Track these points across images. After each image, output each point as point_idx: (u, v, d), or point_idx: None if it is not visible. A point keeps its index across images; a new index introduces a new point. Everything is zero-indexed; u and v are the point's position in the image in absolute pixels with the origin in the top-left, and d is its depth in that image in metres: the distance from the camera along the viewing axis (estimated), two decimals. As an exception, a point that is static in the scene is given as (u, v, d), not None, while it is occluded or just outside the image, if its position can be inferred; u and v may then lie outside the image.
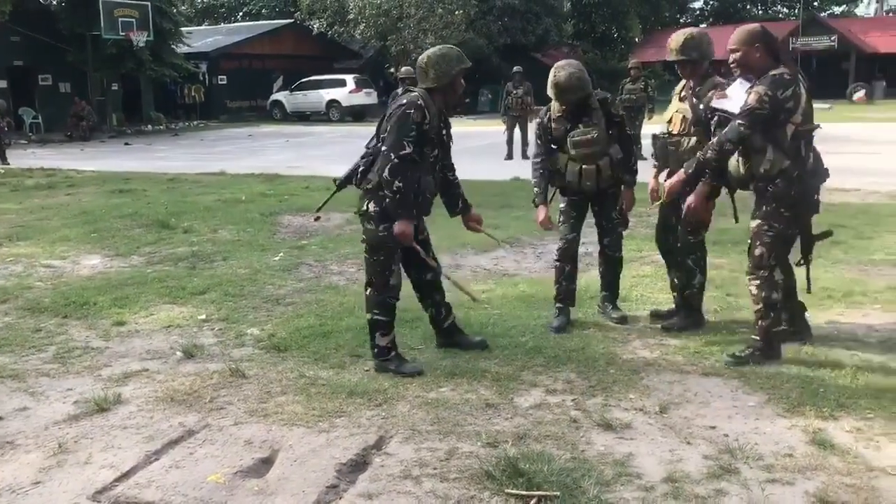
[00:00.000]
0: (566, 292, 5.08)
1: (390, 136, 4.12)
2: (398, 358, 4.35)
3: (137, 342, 4.99)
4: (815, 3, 51.78)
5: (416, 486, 3.10)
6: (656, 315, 5.12)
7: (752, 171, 4.16)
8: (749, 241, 4.31)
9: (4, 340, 5.00)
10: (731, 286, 5.73)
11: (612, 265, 5.19)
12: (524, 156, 15.55)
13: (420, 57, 4.28)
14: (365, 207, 4.28)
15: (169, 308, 5.69)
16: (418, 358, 4.50)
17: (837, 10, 54.23)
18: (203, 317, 5.45)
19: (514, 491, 3.01)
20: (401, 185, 4.05)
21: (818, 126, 4.17)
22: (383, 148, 4.14)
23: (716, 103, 4.55)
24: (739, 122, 4.04)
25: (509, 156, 15.78)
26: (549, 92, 4.79)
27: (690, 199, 4.53)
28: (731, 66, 4.28)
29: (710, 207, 4.64)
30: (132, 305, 5.74)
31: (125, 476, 3.26)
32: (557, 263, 5.12)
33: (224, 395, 4.06)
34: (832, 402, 3.73)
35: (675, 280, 5.01)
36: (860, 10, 55.79)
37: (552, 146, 4.95)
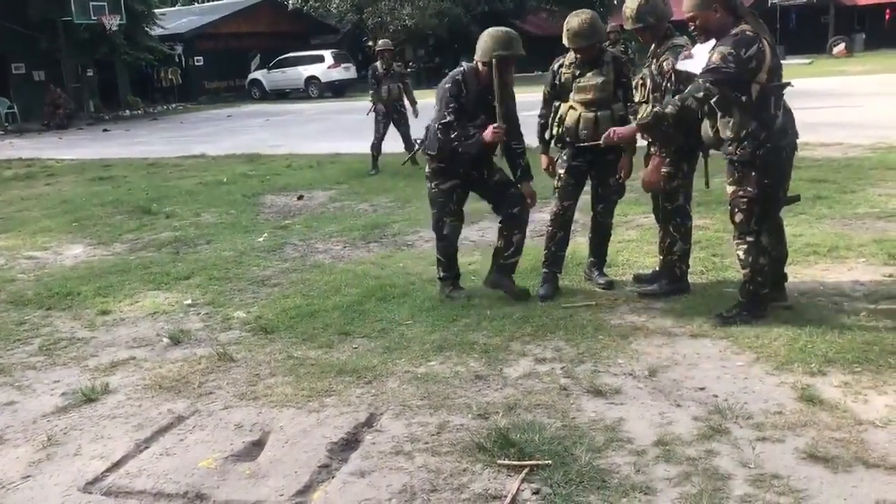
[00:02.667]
0: (553, 258, 5.08)
1: (436, 109, 4.74)
2: (448, 286, 5.06)
3: (123, 330, 4.95)
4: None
5: (409, 461, 3.10)
6: (639, 279, 5.12)
7: (720, 134, 4.12)
8: (729, 206, 4.29)
9: (-12, 335, 4.96)
10: (716, 246, 5.73)
11: (600, 231, 5.19)
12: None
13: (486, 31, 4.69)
14: (426, 169, 5.01)
15: (154, 294, 5.65)
16: (406, 333, 4.49)
17: (815, -37, 53.95)
18: (189, 302, 5.41)
19: (506, 462, 3.01)
20: (453, 137, 4.64)
21: (789, 83, 4.09)
22: (432, 121, 4.75)
23: (680, 65, 4.51)
24: (703, 78, 3.93)
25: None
26: (565, 38, 4.79)
27: (644, 174, 4.58)
28: (693, 33, 4.22)
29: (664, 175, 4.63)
30: (116, 294, 5.70)
31: (116, 466, 3.24)
32: (549, 228, 5.10)
33: (213, 380, 4.04)
34: (820, 357, 3.74)
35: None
36: (838, -37, 55.51)
37: (557, 96, 4.99)
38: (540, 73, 37.76)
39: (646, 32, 4.63)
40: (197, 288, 5.72)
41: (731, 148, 4.10)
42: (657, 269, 5.03)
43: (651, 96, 4.58)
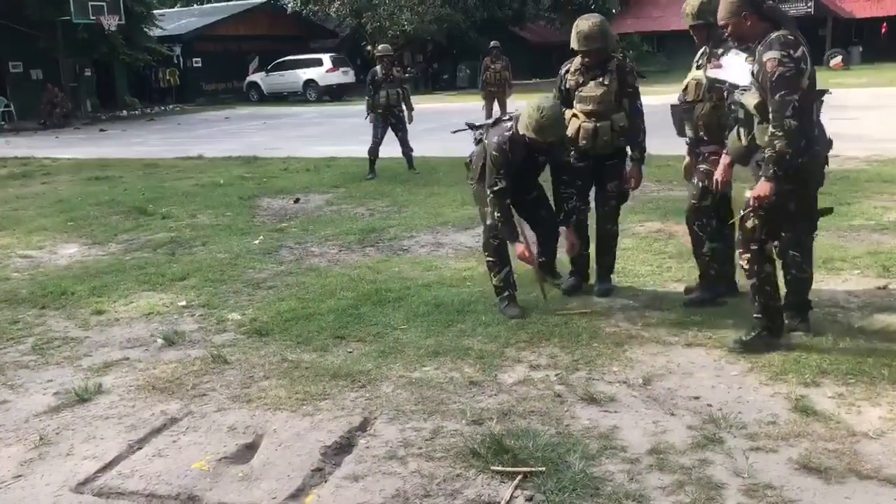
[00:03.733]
0: (576, 258, 5.20)
1: (488, 174, 4.77)
2: (506, 299, 4.84)
3: (117, 331, 4.94)
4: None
5: (402, 466, 3.10)
6: (688, 290, 5.02)
7: (757, 141, 3.94)
8: (741, 211, 4.09)
9: (-18, 333, 4.94)
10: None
11: (601, 237, 5.17)
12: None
13: (532, 103, 4.61)
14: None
15: (149, 295, 5.64)
16: (401, 338, 4.48)
17: (813, -24, 54.19)
18: (183, 303, 5.40)
19: (499, 468, 3.01)
20: (499, 215, 4.72)
21: (827, 91, 4.01)
22: (486, 183, 4.80)
23: (711, 73, 4.51)
24: (780, 93, 3.69)
25: (489, 131, 15.68)
26: (572, 41, 4.83)
27: (718, 175, 4.41)
28: (727, 38, 4.17)
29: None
30: (111, 294, 5.68)
31: (108, 466, 3.23)
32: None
33: (206, 382, 4.03)
34: (814, 368, 3.75)
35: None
36: (835, -24, 55.78)
37: (563, 102, 5.00)
38: (538, 80, 37.79)
39: (702, 31, 4.58)
40: (192, 289, 5.71)
41: (758, 154, 3.95)
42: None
43: (706, 95, 4.53)
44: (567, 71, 5.02)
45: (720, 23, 4.05)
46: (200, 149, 15.34)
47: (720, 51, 4.49)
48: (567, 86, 5.00)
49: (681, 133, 4.84)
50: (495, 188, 4.70)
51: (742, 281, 4.33)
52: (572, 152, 5.01)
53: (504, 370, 3.98)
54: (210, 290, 5.65)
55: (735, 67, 4.23)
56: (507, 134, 4.69)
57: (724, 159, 4.36)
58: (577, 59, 4.96)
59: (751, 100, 3.88)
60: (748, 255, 4.04)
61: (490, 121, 5.09)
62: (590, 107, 4.87)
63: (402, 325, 4.71)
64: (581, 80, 4.92)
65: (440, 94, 32.49)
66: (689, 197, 4.77)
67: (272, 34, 37.64)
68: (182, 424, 3.57)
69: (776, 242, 4.15)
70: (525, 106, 4.65)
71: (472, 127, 5.22)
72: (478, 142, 5.05)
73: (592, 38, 4.77)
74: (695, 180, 4.69)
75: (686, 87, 4.71)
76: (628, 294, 5.09)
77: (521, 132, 4.63)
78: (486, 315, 4.76)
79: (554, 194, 5.06)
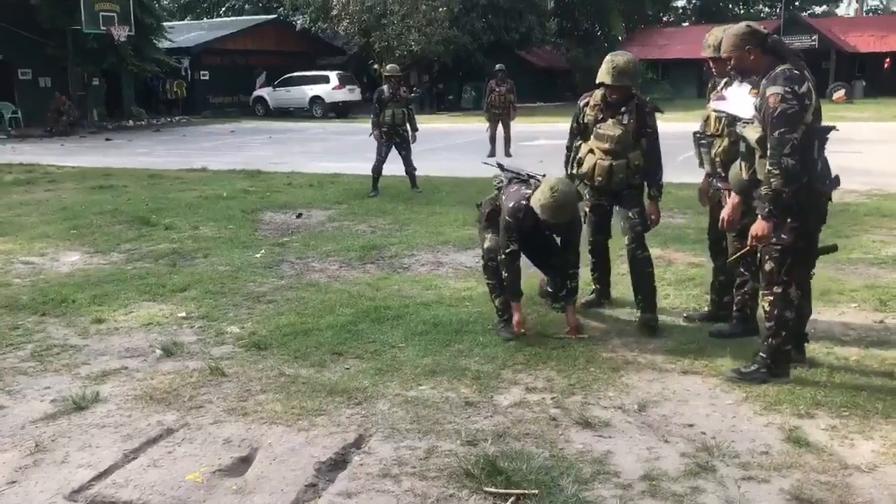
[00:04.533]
0: (597, 280, 5.44)
1: (500, 235, 4.82)
2: (503, 321, 4.86)
3: (116, 340, 4.96)
4: (797, 3, 52.14)
5: (396, 484, 3.11)
6: (689, 318, 5.09)
7: (757, 176, 3.90)
8: (758, 253, 4.07)
9: (-19, 338, 4.96)
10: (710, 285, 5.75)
11: (634, 266, 5.07)
12: (507, 153, 15.59)
13: (549, 180, 4.63)
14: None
15: (149, 305, 5.66)
16: (398, 356, 4.50)
17: (818, 9, 54.68)
18: (183, 314, 5.42)
19: (492, 489, 3.02)
20: (507, 275, 4.78)
21: (834, 127, 3.98)
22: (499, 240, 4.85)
23: (714, 105, 4.54)
24: (779, 130, 3.67)
25: (492, 153, 15.76)
26: (604, 75, 4.81)
27: (725, 214, 4.42)
28: (730, 71, 4.19)
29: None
30: (112, 303, 5.70)
31: (103, 475, 3.24)
32: (588, 257, 5.37)
33: (203, 394, 4.04)
34: (808, 400, 3.77)
35: (718, 283, 5.00)
36: (841, 11, 56.34)
37: (580, 133, 5.10)
38: (541, 103, 37.95)
39: (722, 64, 4.51)
40: (192, 301, 5.73)
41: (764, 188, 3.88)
42: (708, 309, 5.07)
43: (725, 130, 4.50)
44: (586, 104, 5.02)
45: (723, 56, 4.06)
46: (205, 161, 15.41)
47: (721, 83, 4.53)
48: (585, 119, 5.01)
49: (703, 164, 4.82)
50: (506, 251, 4.73)
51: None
52: (587, 190, 5.08)
53: (500, 392, 4.00)
54: (210, 303, 5.68)
55: (739, 100, 4.26)
56: (522, 203, 4.66)
57: (733, 198, 4.33)
58: (598, 93, 4.95)
59: (752, 133, 3.88)
60: (770, 298, 3.99)
61: (517, 173, 4.99)
62: (607, 145, 4.89)
63: (400, 343, 4.73)
64: (600, 117, 4.92)
65: (445, 115, 32.63)
66: (729, 240, 4.68)
67: (280, 49, 37.88)
68: (178, 435, 3.58)
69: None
70: (543, 180, 4.69)
71: (501, 168, 5.19)
72: (497, 188, 5.05)
73: (627, 75, 4.77)
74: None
75: (707, 118, 4.70)
76: (625, 320, 5.12)
77: (538, 207, 4.57)
78: (483, 336, 4.78)
79: (560, 269, 4.95)
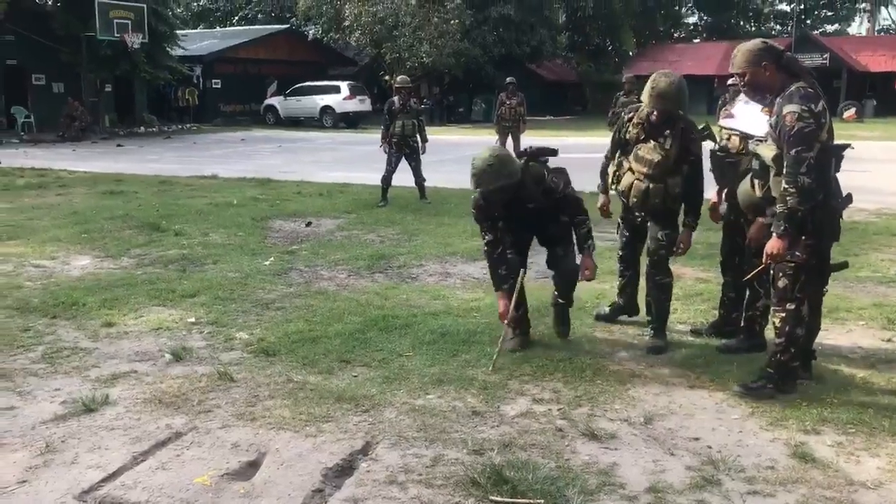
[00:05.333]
0: (622, 291, 5.37)
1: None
2: (511, 332, 4.78)
3: (126, 344, 4.99)
4: (809, 21, 52.23)
5: (402, 491, 3.13)
6: (695, 331, 5.09)
7: (772, 194, 3.88)
8: (772, 269, 4.04)
9: (-7, 339, 5.00)
10: (718, 300, 5.75)
11: (650, 289, 4.99)
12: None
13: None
14: None
15: (158, 310, 5.70)
16: (406, 365, 4.52)
17: (830, 28, 54.74)
18: (192, 320, 5.46)
19: (498, 498, 3.03)
20: (488, 265, 4.87)
21: (849, 145, 3.98)
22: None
23: (723, 122, 4.54)
24: (796, 149, 3.66)
25: (501, 165, 15.80)
26: (644, 96, 4.66)
27: (750, 232, 4.41)
28: (742, 89, 4.12)
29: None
30: (122, 307, 5.74)
31: (111, 477, 3.27)
32: (618, 266, 5.39)
33: (212, 398, 4.07)
34: (814, 416, 3.77)
35: (727, 299, 4.99)
36: (852, 30, 56.38)
37: (621, 145, 4.93)
38: (551, 117, 37.97)
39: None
40: (201, 306, 5.76)
41: (779, 206, 3.86)
42: (714, 321, 5.07)
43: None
44: (630, 119, 4.82)
45: (737, 71, 4.00)
46: (215, 168, 15.50)
47: (723, 98, 4.54)
48: (627, 135, 4.81)
49: (720, 182, 4.78)
50: (483, 241, 4.78)
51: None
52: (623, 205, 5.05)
53: (507, 402, 4.01)
54: (219, 308, 5.71)
55: (747, 117, 4.27)
56: (473, 196, 4.69)
57: (778, 241, 4.02)
58: (644, 111, 4.72)
59: (767, 151, 3.87)
60: (783, 315, 3.98)
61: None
62: (645, 169, 4.69)
63: (408, 352, 4.75)
64: (642, 136, 4.72)
65: (455, 127, 32.73)
66: (747, 256, 4.66)
67: (292, 59, 38.11)
68: (186, 439, 3.61)
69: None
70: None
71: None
72: None
73: (667, 99, 4.56)
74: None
75: (729, 136, 4.68)
76: (633, 333, 5.13)
77: None
78: (491, 347, 4.78)
79: (552, 241, 4.90)
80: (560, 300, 4.99)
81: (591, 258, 4.68)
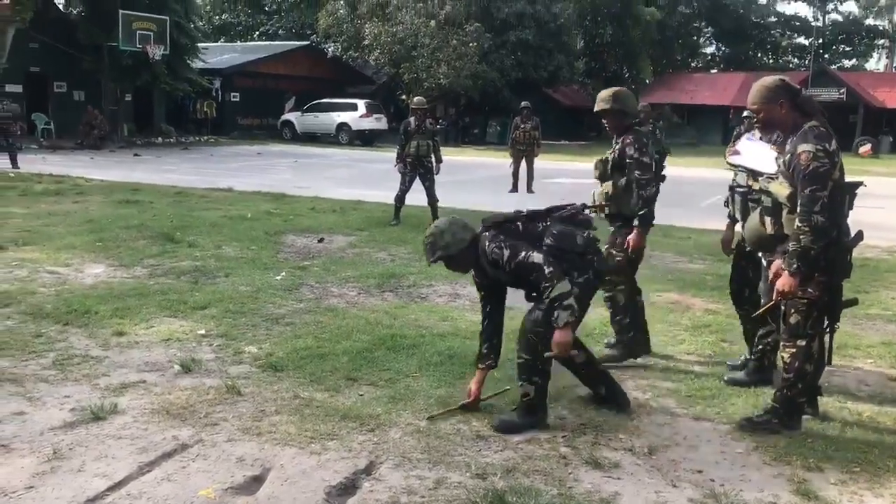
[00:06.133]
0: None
1: None
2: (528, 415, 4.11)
3: (136, 353, 5.04)
4: (826, 56, 52.31)
5: (404, 512, 3.14)
6: (733, 367, 5.03)
7: (784, 231, 3.89)
8: (783, 305, 4.02)
9: (5, 344, 5.06)
10: (726, 332, 5.77)
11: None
12: (529, 190, 15.70)
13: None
14: None
15: (169, 321, 5.75)
16: (412, 385, 4.54)
17: (848, 63, 54.80)
18: (202, 332, 5.50)
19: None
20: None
21: (861, 183, 4.00)
22: None
23: (731, 159, 4.56)
24: (810, 188, 3.67)
25: (514, 188, 15.90)
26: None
27: (783, 286, 4.13)
28: (755, 124, 4.14)
29: None
30: (133, 316, 5.79)
31: (117, 486, 3.30)
32: None
33: (219, 412, 4.10)
34: (819, 453, 3.77)
35: (746, 331, 4.99)
36: (870, 65, 56.42)
37: None
38: (566, 142, 38.10)
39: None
40: (212, 319, 5.81)
41: (792, 244, 3.85)
42: (746, 356, 5.00)
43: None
44: None
45: (752, 107, 4.01)
46: (231, 181, 15.62)
47: (738, 129, 4.57)
48: None
49: (743, 217, 4.74)
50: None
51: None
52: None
53: (511, 427, 4.02)
54: (229, 322, 5.75)
55: (754, 154, 4.28)
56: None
57: (788, 277, 3.89)
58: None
59: (782, 189, 3.87)
60: (793, 350, 3.98)
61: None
62: (595, 172, 5.23)
63: (415, 372, 4.77)
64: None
65: (469, 148, 32.89)
66: (762, 292, 4.64)
67: (310, 75, 38.44)
68: (192, 451, 3.64)
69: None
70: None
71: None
72: None
73: (602, 100, 5.09)
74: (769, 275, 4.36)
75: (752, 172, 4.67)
76: (640, 363, 5.13)
77: None
78: (498, 371, 4.78)
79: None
80: (517, 356, 4.10)
81: (560, 331, 3.85)
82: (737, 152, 4.44)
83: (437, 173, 11.31)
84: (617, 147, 5.11)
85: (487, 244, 4.02)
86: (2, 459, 3.51)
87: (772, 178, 4.01)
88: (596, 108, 5.15)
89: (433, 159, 11.22)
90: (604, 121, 5.28)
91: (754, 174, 4.40)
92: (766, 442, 3.90)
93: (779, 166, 3.96)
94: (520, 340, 4.03)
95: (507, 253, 3.93)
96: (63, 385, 4.44)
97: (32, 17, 25.55)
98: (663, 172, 5.88)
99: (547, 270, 3.82)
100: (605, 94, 5.15)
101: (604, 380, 4.37)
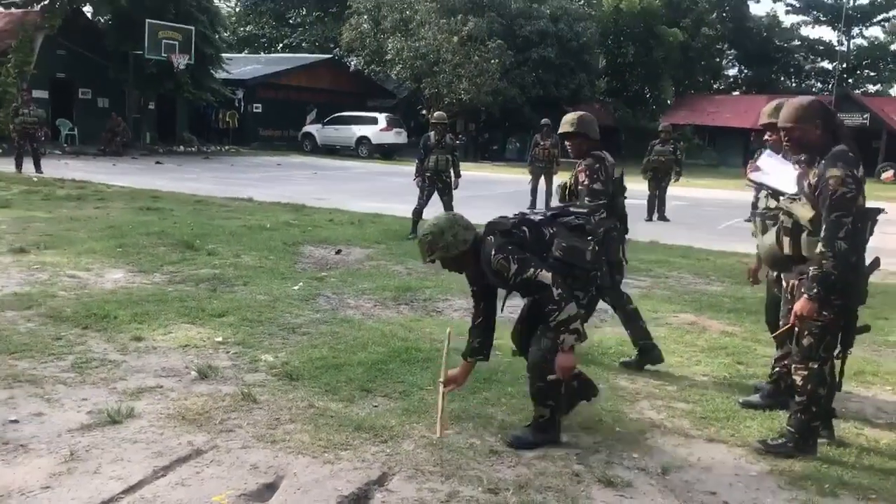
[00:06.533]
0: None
1: None
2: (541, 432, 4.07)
3: (153, 358, 5.08)
4: (850, 80, 52.08)
5: (415, 524, 3.14)
6: (758, 389, 4.95)
7: (802, 252, 3.88)
8: (797, 326, 3.99)
9: (26, 346, 5.11)
10: (742, 354, 5.75)
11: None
12: (548, 207, 15.68)
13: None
14: None
15: (187, 328, 5.79)
16: (426, 398, 4.55)
17: (872, 88, 54.49)
18: (220, 339, 5.54)
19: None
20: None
21: (882, 210, 3.97)
22: None
23: (753, 176, 4.55)
24: (836, 214, 3.66)
25: (532, 206, 15.88)
26: None
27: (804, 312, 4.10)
28: (785, 143, 4.10)
29: None
30: (151, 322, 5.85)
31: (132, 489, 3.32)
32: None
33: (234, 418, 4.13)
34: (834, 479, 3.74)
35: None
36: (895, 91, 56.01)
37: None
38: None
39: (776, 129, 4.56)
40: (229, 327, 5.85)
41: (813, 268, 3.84)
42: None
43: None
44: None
45: (786, 125, 3.93)
46: (251, 191, 15.73)
47: (759, 152, 4.53)
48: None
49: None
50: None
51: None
52: None
53: (525, 443, 4.02)
54: (246, 330, 5.79)
55: (775, 170, 4.26)
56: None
57: (807, 301, 3.87)
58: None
59: (805, 212, 3.84)
60: (805, 373, 3.96)
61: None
62: (557, 196, 5.51)
63: (429, 385, 4.78)
64: None
65: (488, 164, 32.96)
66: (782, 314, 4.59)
67: (332, 88, 38.71)
68: (207, 457, 3.66)
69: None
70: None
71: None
72: None
73: (567, 123, 5.29)
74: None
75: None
76: (655, 383, 5.11)
77: None
78: (511, 386, 4.81)
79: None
80: (530, 382, 4.02)
81: (564, 355, 3.80)
82: (758, 168, 4.42)
83: (455, 188, 11.35)
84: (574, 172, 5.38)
85: (493, 253, 3.82)
86: (20, 459, 3.55)
87: (794, 199, 3.99)
88: (560, 131, 5.34)
89: (452, 174, 11.26)
90: (566, 143, 5.46)
91: (775, 193, 4.38)
92: (782, 465, 3.88)
93: (802, 187, 3.95)
94: (531, 367, 3.97)
95: (514, 267, 3.77)
96: (81, 388, 4.48)
97: (61, 24, 25.98)
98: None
99: (556, 293, 3.71)
100: (570, 117, 5.32)
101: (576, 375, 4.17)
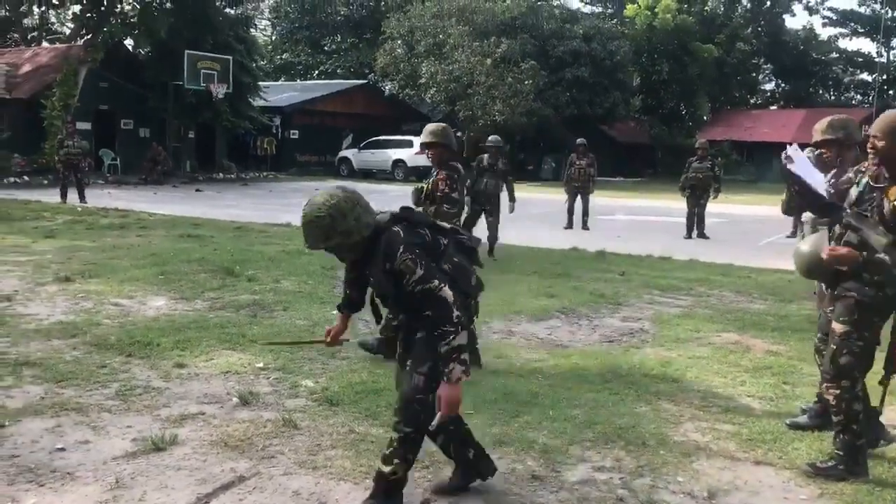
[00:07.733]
0: None
1: None
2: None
3: (196, 385, 5.13)
4: (891, 92, 51.21)
5: (458, 551, 3.12)
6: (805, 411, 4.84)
7: (862, 272, 3.82)
8: (832, 344, 3.97)
9: (71, 374, 5.20)
10: (788, 374, 5.64)
11: None
12: (584, 226, 15.64)
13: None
14: None
15: (228, 354, 5.84)
16: (469, 423, 4.52)
17: (913, 100, 53.51)
18: (260, 365, 5.58)
19: None
20: None
21: None
22: None
23: (790, 166, 4.47)
24: None
25: (569, 225, 15.85)
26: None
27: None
28: (870, 153, 3.97)
29: None
30: (193, 349, 5.91)
31: (176, 516, 3.35)
32: None
33: (276, 445, 4.14)
34: (889, 502, 3.63)
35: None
36: (937, 101, 54.94)
37: None
38: (622, 178, 37.99)
39: (832, 146, 4.65)
40: (270, 353, 5.88)
41: (853, 284, 3.85)
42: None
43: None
44: None
45: (874, 137, 3.83)
46: (289, 217, 15.85)
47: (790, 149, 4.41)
48: None
49: None
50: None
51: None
52: None
53: (567, 467, 3.98)
54: (287, 355, 5.82)
55: (805, 166, 4.20)
56: None
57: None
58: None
59: (882, 239, 3.73)
60: (837, 392, 3.91)
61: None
62: (412, 198, 5.98)
63: (469, 410, 4.74)
64: None
65: (524, 184, 32.87)
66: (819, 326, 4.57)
67: (367, 113, 39.06)
68: (249, 483, 3.68)
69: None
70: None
71: None
72: None
73: (431, 133, 5.80)
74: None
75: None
76: (699, 405, 5.03)
77: None
78: (553, 409, 4.77)
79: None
80: (396, 429, 3.45)
81: (451, 387, 3.21)
82: (791, 159, 4.29)
83: (510, 212, 11.46)
84: (431, 179, 5.72)
85: (401, 250, 3.23)
86: (67, 487, 3.60)
87: (864, 216, 3.85)
88: (422, 140, 5.68)
89: (500, 198, 11.35)
90: (427, 151, 5.92)
91: (807, 189, 4.21)
92: (832, 489, 3.78)
93: (852, 200, 3.93)
94: (400, 411, 3.41)
95: (419, 273, 3.19)
96: (125, 415, 4.54)
97: (103, 57, 26.64)
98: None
99: (454, 314, 3.17)
100: (434, 127, 5.74)
101: (471, 441, 3.73)
